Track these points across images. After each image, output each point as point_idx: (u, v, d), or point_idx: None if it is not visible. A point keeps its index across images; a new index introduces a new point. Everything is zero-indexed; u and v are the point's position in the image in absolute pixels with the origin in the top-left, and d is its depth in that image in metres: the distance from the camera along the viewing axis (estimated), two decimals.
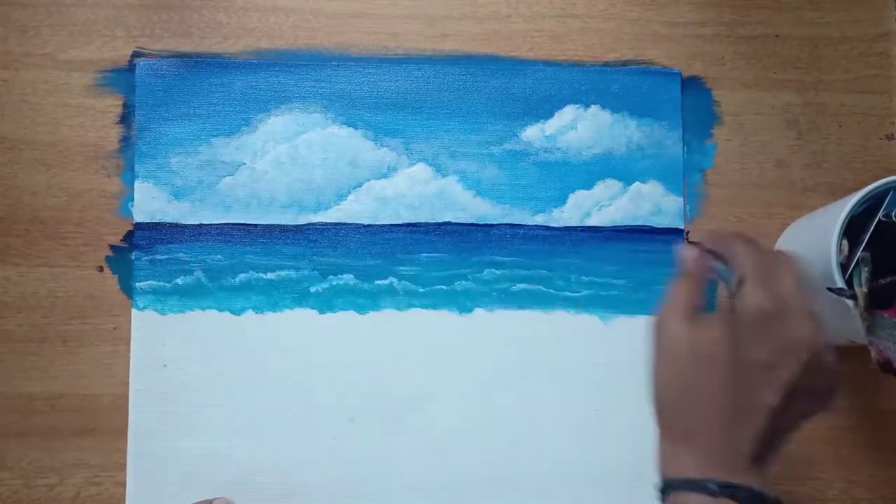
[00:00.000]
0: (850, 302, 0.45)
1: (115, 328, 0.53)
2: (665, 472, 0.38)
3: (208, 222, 0.54)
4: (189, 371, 0.52)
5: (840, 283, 0.45)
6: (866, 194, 0.47)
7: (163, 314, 0.53)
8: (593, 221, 0.55)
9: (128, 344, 0.53)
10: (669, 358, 0.38)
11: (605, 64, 0.56)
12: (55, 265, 0.53)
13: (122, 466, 0.52)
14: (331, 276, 0.54)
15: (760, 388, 0.37)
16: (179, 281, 0.53)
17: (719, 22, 0.57)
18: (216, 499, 0.50)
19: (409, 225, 0.54)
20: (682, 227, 0.55)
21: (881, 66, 0.57)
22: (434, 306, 0.54)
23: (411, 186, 0.55)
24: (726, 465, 0.36)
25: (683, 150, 0.56)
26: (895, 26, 0.57)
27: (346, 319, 0.53)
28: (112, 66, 0.55)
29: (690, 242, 0.43)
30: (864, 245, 0.46)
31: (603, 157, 0.55)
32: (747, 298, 0.37)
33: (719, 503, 0.35)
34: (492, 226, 0.54)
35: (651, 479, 0.53)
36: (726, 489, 0.35)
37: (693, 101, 0.56)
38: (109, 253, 0.53)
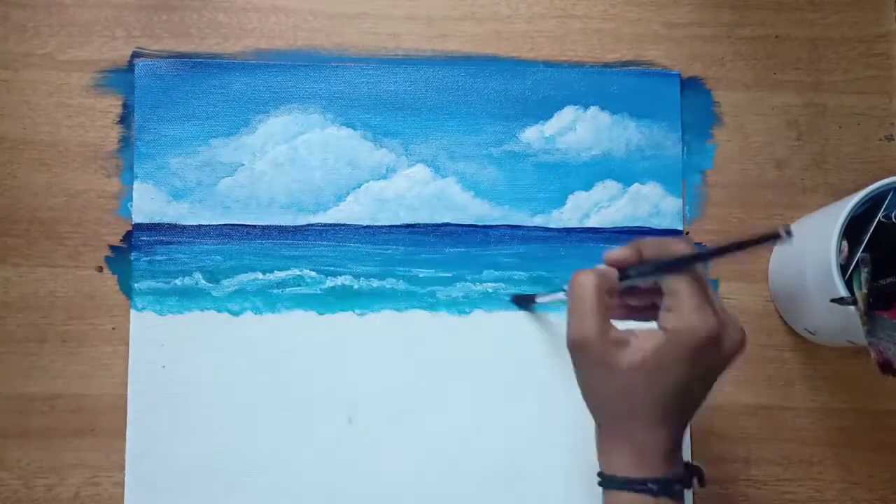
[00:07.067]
0: (852, 307, 0.45)
1: (114, 329, 0.53)
2: (606, 468, 0.40)
3: (207, 223, 0.54)
4: (188, 372, 0.52)
5: (840, 285, 0.45)
6: (866, 195, 0.47)
7: (161, 315, 0.53)
8: (592, 223, 0.55)
9: (127, 344, 0.53)
10: (605, 367, 0.39)
11: (605, 65, 0.56)
12: (55, 265, 0.53)
13: (121, 467, 0.52)
14: (329, 278, 0.54)
15: (695, 395, 0.39)
16: (178, 282, 0.53)
17: (719, 22, 0.57)
18: None
19: (408, 226, 0.54)
20: (681, 228, 0.55)
21: (881, 67, 0.57)
22: (433, 308, 0.54)
23: (410, 187, 0.55)
24: (656, 464, 0.39)
25: (683, 150, 0.56)
26: (895, 27, 0.57)
27: (344, 320, 0.53)
28: (112, 67, 0.55)
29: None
30: (863, 246, 0.46)
31: (602, 158, 0.55)
32: (696, 323, 0.38)
33: (659, 501, 0.38)
34: (491, 227, 0.54)
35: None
36: (659, 483, 0.38)
37: (693, 102, 0.56)
38: (109, 253, 0.53)
